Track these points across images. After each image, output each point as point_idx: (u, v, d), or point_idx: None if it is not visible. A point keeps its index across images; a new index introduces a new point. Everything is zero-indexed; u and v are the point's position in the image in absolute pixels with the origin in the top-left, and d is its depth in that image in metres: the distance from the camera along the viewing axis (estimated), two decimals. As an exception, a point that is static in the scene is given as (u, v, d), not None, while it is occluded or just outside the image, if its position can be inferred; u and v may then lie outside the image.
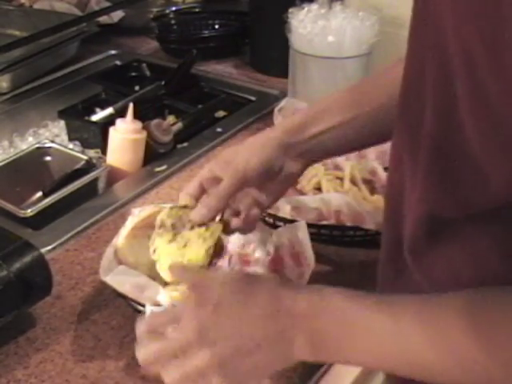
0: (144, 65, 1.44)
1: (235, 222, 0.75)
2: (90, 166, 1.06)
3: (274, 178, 0.75)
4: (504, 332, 0.48)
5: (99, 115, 1.21)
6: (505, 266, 0.53)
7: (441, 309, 0.53)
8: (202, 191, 0.75)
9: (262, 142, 0.74)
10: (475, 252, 0.55)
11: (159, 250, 0.77)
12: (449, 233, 0.56)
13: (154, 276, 0.78)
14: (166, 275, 0.75)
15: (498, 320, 0.49)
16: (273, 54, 1.41)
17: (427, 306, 0.54)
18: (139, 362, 0.64)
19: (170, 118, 1.27)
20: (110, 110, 1.20)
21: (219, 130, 1.21)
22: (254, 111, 1.28)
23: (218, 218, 0.75)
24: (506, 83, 0.43)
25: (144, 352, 0.64)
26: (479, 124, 0.48)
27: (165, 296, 0.75)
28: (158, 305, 0.75)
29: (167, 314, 0.67)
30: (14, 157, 1.11)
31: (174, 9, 1.66)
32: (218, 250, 0.75)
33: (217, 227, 0.74)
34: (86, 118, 1.22)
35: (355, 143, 0.77)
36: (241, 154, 0.74)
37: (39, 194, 1.03)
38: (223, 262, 0.85)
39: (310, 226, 0.86)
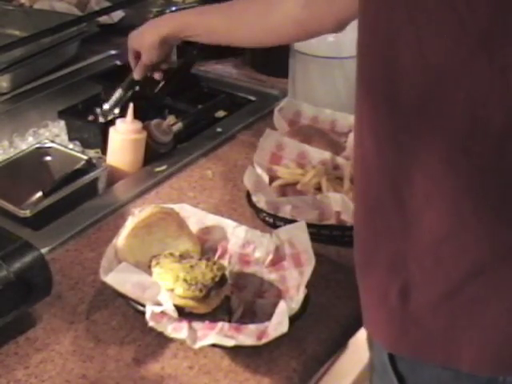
0: (144, 65, 1.44)
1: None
2: (89, 166, 1.06)
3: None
4: None
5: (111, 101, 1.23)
6: None
7: None
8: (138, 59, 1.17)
9: (162, 25, 1.12)
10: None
11: (162, 263, 0.78)
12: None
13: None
14: (162, 283, 0.76)
15: None
16: (273, 54, 1.40)
17: None
18: None
19: (170, 118, 1.26)
20: (119, 91, 1.22)
21: (219, 129, 1.21)
22: (254, 111, 1.28)
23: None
24: None
25: None
26: None
27: (166, 296, 0.75)
28: (159, 304, 0.75)
29: None
30: (14, 157, 1.11)
31: (173, 9, 1.66)
32: (222, 282, 0.77)
33: (223, 266, 0.80)
34: (101, 107, 1.23)
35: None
36: (147, 37, 1.13)
37: (39, 194, 1.03)
38: (223, 262, 0.85)
39: (309, 226, 0.86)
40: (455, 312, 0.63)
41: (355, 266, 0.71)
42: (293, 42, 1.10)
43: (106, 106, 1.22)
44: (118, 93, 1.21)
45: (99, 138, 1.18)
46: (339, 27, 0.95)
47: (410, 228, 0.63)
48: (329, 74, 1.20)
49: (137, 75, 1.17)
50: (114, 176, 1.09)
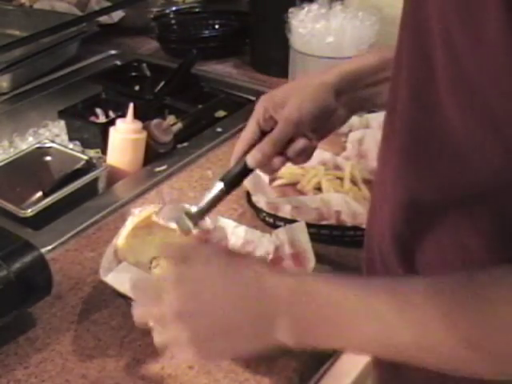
0: (144, 65, 1.44)
1: (278, 163, 0.76)
2: (89, 166, 1.06)
3: (324, 122, 0.76)
4: (473, 317, 0.48)
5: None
6: (490, 253, 0.52)
7: (414, 293, 0.52)
8: (260, 131, 0.76)
9: (316, 86, 0.74)
10: (460, 238, 0.54)
11: (162, 265, 0.78)
12: (432, 219, 0.56)
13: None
14: None
15: (468, 306, 0.49)
16: (273, 54, 1.40)
17: (402, 287, 0.54)
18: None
19: (170, 118, 1.27)
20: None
21: (219, 129, 1.21)
22: (254, 111, 1.28)
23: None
24: (480, 56, 0.44)
25: (135, 313, 0.66)
26: (459, 100, 0.48)
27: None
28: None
29: (151, 287, 0.66)
30: (14, 157, 1.11)
31: (174, 9, 1.66)
32: None
33: None
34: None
35: None
36: (294, 97, 0.74)
37: (39, 193, 1.03)
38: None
39: (309, 226, 0.86)
40: None
41: None
42: None
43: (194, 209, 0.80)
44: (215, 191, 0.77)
45: (99, 138, 1.18)
46: None
47: None
48: (329, 74, 1.20)
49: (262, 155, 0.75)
50: (114, 176, 1.09)
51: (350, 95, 0.75)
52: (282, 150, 0.75)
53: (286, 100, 0.74)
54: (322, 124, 0.76)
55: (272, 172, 0.78)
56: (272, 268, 0.63)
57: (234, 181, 0.76)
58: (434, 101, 0.50)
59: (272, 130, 0.75)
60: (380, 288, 0.54)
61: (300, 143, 0.75)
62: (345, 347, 0.59)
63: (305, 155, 0.77)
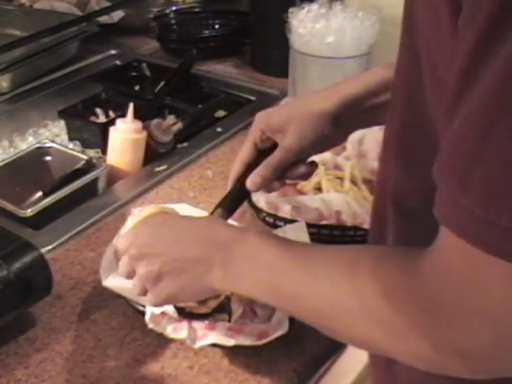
0: (144, 65, 1.44)
1: (278, 186, 0.78)
2: (89, 166, 1.06)
3: (323, 145, 0.78)
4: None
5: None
6: None
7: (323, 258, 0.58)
8: (257, 150, 0.77)
9: (315, 117, 0.74)
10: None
11: None
12: (416, 222, 0.57)
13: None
14: None
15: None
16: (273, 54, 1.41)
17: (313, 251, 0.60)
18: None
19: (170, 118, 1.27)
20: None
21: (219, 129, 1.21)
22: (254, 111, 1.26)
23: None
24: (444, 55, 0.45)
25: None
26: (437, 101, 0.48)
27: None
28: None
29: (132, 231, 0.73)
30: (14, 157, 1.11)
31: (174, 9, 1.66)
32: None
33: None
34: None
35: None
36: (293, 127, 0.74)
37: (39, 193, 1.03)
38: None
39: (310, 226, 0.86)
40: None
41: None
42: None
43: None
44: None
45: (99, 138, 1.18)
46: None
47: None
48: (329, 74, 1.20)
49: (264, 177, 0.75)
50: (114, 176, 1.09)
51: (349, 120, 0.76)
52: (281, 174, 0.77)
53: (284, 126, 0.75)
54: (321, 146, 0.78)
55: (270, 192, 0.80)
56: (224, 221, 0.69)
57: (231, 206, 0.76)
58: (421, 101, 0.51)
59: (270, 148, 0.76)
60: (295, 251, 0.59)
61: (301, 169, 0.77)
62: (254, 294, 0.63)
63: (305, 177, 0.79)
